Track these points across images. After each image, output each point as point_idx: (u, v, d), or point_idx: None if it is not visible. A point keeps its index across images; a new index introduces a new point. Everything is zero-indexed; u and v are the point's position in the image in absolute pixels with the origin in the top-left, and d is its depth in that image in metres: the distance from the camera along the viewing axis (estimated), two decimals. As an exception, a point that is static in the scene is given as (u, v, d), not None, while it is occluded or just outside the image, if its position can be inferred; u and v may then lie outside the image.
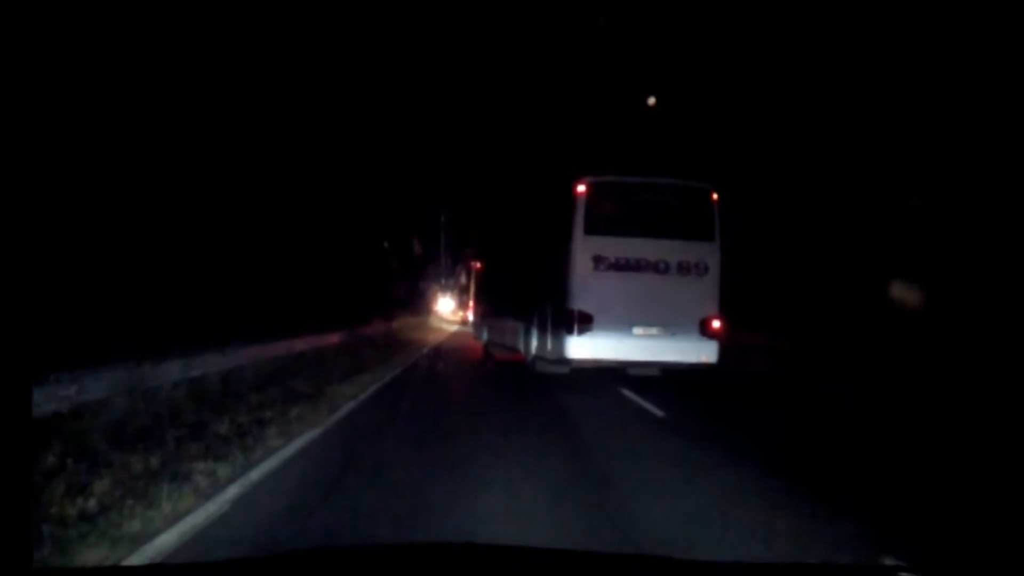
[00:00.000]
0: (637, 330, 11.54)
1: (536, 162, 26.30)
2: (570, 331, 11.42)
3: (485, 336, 19.62)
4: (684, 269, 11.66)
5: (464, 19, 24.52)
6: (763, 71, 18.73)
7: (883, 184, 15.91)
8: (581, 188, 11.61)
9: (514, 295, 15.87)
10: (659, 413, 9.53)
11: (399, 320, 29.65)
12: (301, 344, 14.48)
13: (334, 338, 17.29)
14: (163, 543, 4.11)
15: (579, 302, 11.49)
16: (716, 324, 11.70)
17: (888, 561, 4.05)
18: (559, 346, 11.80)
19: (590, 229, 11.58)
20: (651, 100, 22.79)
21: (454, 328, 36.57)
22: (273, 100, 18.85)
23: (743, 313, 16.13)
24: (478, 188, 35.59)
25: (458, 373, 15.70)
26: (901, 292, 14.62)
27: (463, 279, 28.88)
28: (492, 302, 19.59)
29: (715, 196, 11.93)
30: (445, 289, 46.84)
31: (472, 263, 28.19)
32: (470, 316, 29.29)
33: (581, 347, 11.44)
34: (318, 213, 24.16)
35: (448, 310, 44.77)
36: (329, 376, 11.74)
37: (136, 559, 3.86)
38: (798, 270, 17.86)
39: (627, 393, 11.24)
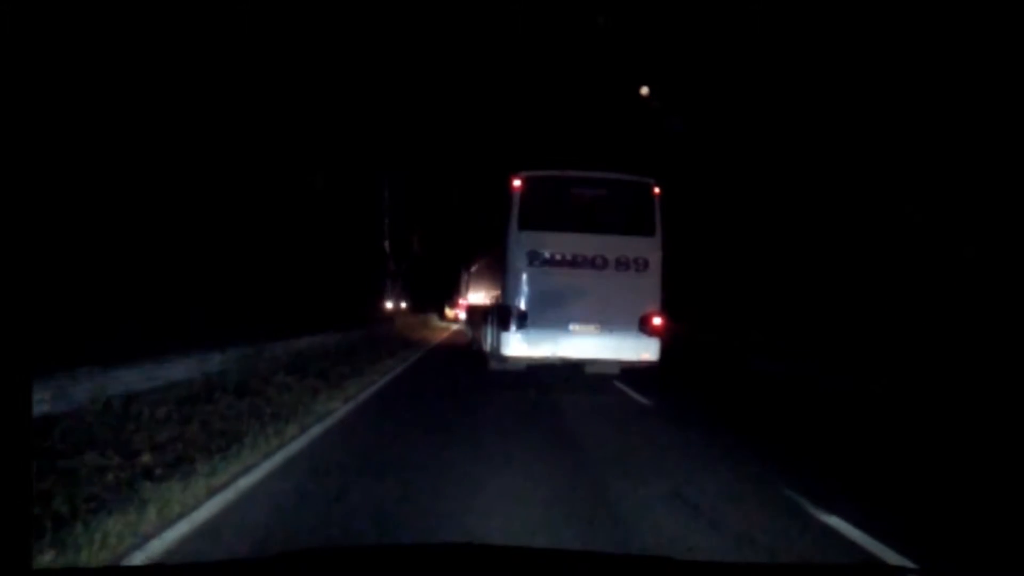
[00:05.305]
0: (574, 327, 11.27)
1: (529, 160, 26.31)
2: (506, 328, 11.31)
3: (470, 333, 20.28)
4: (623, 265, 11.36)
5: (464, 20, 24.53)
6: (762, 70, 18.70)
7: (883, 183, 15.81)
8: (517, 183, 11.53)
9: (482, 293, 16.21)
10: None
11: (367, 324, 24.59)
12: (134, 378, 7.51)
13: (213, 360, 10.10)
14: None
15: (515, 298, 11.35)
16: (656, 321, 11.31)
17: (892, 561, 4.04)
18: (499, 343, 11.66)
19: (525, 224, 11.43)
20: (644, 90, 22.71)
21: (455, 327, 36.25)
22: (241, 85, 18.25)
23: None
24: (469, 186, 35.48)
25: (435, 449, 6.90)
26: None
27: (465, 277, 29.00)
28: (473, 300, 20.26)
29: (657, 191, 11.65)
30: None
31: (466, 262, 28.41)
32: (461, 315, 29.64)
33: (517, 344, 11.29)
34: (279, 206, 22.70)
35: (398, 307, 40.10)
36: (131, 470, 5.09)
37: None
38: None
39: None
